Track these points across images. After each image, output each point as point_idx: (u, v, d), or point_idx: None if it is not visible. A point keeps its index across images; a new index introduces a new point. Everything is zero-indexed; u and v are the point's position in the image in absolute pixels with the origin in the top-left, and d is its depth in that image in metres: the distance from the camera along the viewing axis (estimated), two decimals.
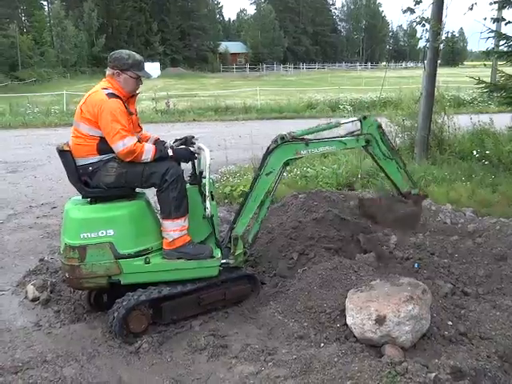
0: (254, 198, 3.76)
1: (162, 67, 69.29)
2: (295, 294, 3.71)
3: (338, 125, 3.99)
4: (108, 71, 3.63)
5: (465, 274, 4.16)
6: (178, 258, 3.59)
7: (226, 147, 9.55)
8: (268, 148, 3.77)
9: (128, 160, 3.46)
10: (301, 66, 75.15)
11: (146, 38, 74.13)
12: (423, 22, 7.73)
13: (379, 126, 3.95)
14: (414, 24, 8.02)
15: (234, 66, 77.51)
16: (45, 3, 69.56)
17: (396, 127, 9.43)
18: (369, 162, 7.77)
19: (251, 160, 8.52)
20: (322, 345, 3.17)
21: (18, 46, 52.87)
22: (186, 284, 3.57)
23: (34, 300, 3.98)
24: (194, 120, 18.34)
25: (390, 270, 4.03)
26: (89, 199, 3.58)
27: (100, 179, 3.49)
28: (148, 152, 3.51)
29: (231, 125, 16.89)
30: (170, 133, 14.57)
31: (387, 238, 4.76)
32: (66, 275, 3.42)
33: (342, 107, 20.37)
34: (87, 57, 66.47)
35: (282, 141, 3.70)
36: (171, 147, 3.75)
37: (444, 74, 31.03)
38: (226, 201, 6.92)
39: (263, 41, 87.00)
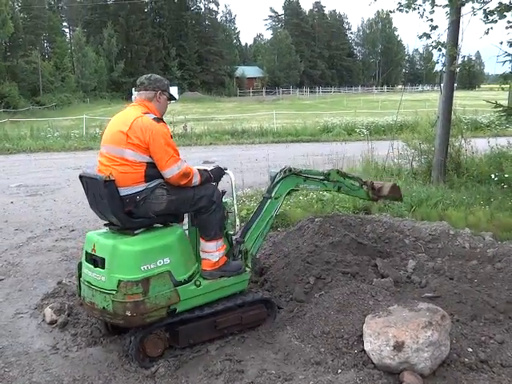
0: (263, 217, 4.03)
1: (180, 91, 70.29)
2: (312, 319, 3.68)
3: (322, 173, 4.48)
4: (144, 95, 3.58)
5: (485, 299, 4.09)
6: (220, 277, 3.66)
7: (242, 170, 9.60)
8: (275, 177, 4.17)
9: (182, 184, 3.45)
10: (317, 90, 75.59)
11: (165, 63, 75.48)
12: (439, 46, 7.78)
13: (338, 172, 4.61)
14: (430, 48, 8.07)
15: (251, 90, 78.43)
16: (66, 30, 71.53)
17: (413, 151, 9.42)
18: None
19: (267, 183, 8.55)
20: (340, 371, 3.13)
21: (39, 72, 54.21)
22: (202, 308, 3.57)
23: (51, 323, 4.00)
24: (211, 143, 18.53)
25: (407, 295, 3.99)
26: (114, 231, 3.49)
27: (149, 208, 3.39)
28: (196, 175, 3.56)
29: (248, 148, 17.01)
30: (187, 156, 14.69)
31: (405, 263, 4.73)
32: (128, 313, 3.17)
33: (358, 131, 20.50)
34: (106, 82, 67.85)
35: (290, 172, 4.14)
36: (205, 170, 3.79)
37: (461, 97, 31.03)
38: (243, 224, 6.91)
39: (279, 65, 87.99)
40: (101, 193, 3.30)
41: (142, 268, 3.23)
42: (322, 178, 4.41)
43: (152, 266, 3.28)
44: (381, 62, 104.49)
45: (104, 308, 3.24)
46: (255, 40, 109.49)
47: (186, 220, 3.91)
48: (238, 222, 3.91)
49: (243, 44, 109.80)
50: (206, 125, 24.89)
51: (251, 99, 66.27)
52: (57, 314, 4.04)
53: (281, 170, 4.18)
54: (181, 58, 77.00)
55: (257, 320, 3.82)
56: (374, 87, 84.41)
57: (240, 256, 3.91)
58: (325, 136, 20.27)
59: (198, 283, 3.56)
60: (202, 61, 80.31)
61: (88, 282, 3.39)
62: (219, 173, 3.82)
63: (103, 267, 3.28)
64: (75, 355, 3.55)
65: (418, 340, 3.05)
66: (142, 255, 3.27)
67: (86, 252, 3.46)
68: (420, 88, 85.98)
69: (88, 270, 3.41)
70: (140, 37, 71.20)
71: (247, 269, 3.91)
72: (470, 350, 3.40)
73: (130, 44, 71.72)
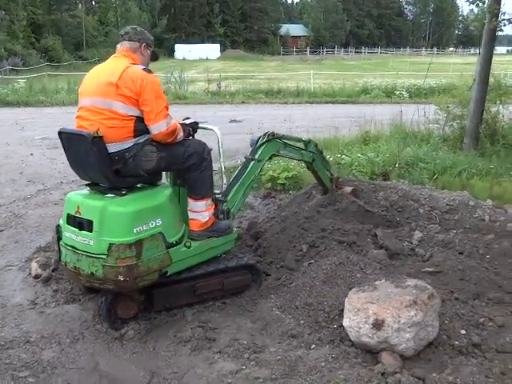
0: (245, 178, 3.93)
1: (222, 49, 69.54)
2: (297, 289, 3.47)
3: (300, 139, 4.58)
4: (128, 45, 3.34)
5: (492, 278, 3.77)
6: (208, 238, 3.51)
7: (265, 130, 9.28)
8: (258, 139, 4.05)
9: (168, 141, 3.25)
10: (362, 50, 73.12)
11: (208, 20, 74.48)
12: (477, 1, 7.15)
13: (316, 145, 4.68)
14: (468, 4, 7.45)
15: (294, 49, 76.58)
16: None
17: (445, 115, 8.86)
18: (410, 150, 7.35)
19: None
20: (314, 346, 2.92)
21: (83, 27, 54.38)
22: (180, 272, 3.41)
23: (36, 277, 3.95)
24: (243, 102, 18.17)
25: (403, 268, 3.70)
26: (98, 192, 3.28)
27: (139, 166, 3.19)
28: (181, 131, 3.37)
29: (278, 108, 16.59)
30: (216, 114, 14.50)
31: (411, 234, 4.41)
32: (120, 278, 3.00)
33: (398, 93, 19.67)
34: None
35: (273, 137, 4.07)
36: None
37: (504, 61, 29.29)
38: (255, 185, 6.70)
39: (325, 24, 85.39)
40: (87, 150, 3.07)
41: (134, 230, 3.04)
42: (301, 147, 4.45)
43: (145, 228, 3.09)
44: (432, 22, 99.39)
45: (92, 273, 3.05)
46: None
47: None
48: (225, 181, 3.76)
49: (289, 1, 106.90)
50: (244, 83, 24.47)
51: (294, 58, 64.83)
52: (42, 269, 3.97)
53: (264, 134, 4.08)
54: (224, 15, 75.72)
55: (240, 286, 3.64)
56: (424, 49, 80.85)
57: (222, 216, 3.73)
58: (362, 98, 19.54)
59: (188, 244, 3.40)
60: (245, 18, 78.80)
61: (72, 246, 3.18)
62: (195, 127, 3.65)
63: (90, 230, 3.06)
64: (51, 311, 3.48)
65: (400, 319, 2.79)
66: (134, 216, 3.08)
67: (68, 214, 3.23)
68: (472, 51, 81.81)
69: (71, 234, 3.18)
70: None
71: (235, 229, 3.79)
72: (464, 331, 3.12)
73: None
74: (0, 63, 30.85)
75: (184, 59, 61.48)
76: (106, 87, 3.12)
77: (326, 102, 18.57)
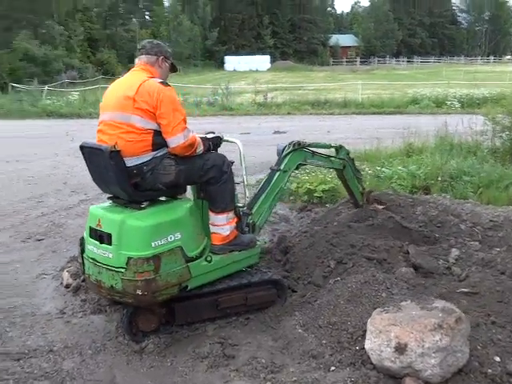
0: (271, 190, 3.87)
1: (272, 60, 69.93)
2: (321, 307, 3.36)
3: (329, 146, 4.52)
4: (146, 58, 3.37)
5: None
6: (230, 252, 3.47)
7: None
8: (283, 149, 3.99)
9: (186, 154, 3.25)
10: (415, 60, 71.66)
11: (257, 31, 75.17)
12: None
13: (348, 153, 4.60)
14: None
15: (344, 60, 76.04)
16: None
17: (494, 126, 8.49)
18: (454, 163, 7.08)
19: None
20: (333, 368, 2.81)
21: (137, 40, 56.09)
22: (202, 286, 3.37)
23: (67, 286, 4.03)
24: (289, 113, 18.15)
25: (436, 289, 3.52)
26: (119, 205, 3.30)
27: (157, 179, 3.19)
28: (200, 145, 3.35)
29: (324, 119, 16.46)
30: (261, 125, 14.53)
31: (448, 251, 4.22)
32: (138, 292, 2.99)
33: (449, 103, 19.08)
34: (200, 50, 68.88)
35: (299, 146, 4.00)
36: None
37: None
38: (292, 197, 6.64)
39: (376, 33, 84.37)
40: (105, 164, 3.10)
41: (152, 244, 3.04)
42: (328, 155, 4.38)
43: (163, 242, 3.08)
44: (488, 30, 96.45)
45: (112, 286, 3.07)
46: (352, 7, 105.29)
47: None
48: (247, 194, 3.72)
49: (339, 12, 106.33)
50: (292, 94, 24.49)
51: (344, 69, 64.25)
52: (73, 278, 4.05)
53: (290, 143, 4.00)
54: (274, 26, 76.24)
55: (264, 302, 3.57)
56: (479, 57, 78.39)
57: (247, 229, 3.68)
58: (411, 108, 19.08)
59: (209, 259, 3.37)
60: (295, 29, 79.03)
61: (93, 259, 3.21)
62: (218, 141, 3.61)
63: (110, 243, 3.09)
64: (77, 321, 3.53)
65: (424, 344, 2.65)
66: (152, 230, 3.07)
67: (90, 227, 3.27)
68: None
69: (93, 247, 3.22)
70: (234, 5, 71.24)
71: (258, 242, 3.74)
72: (498, 359, 2.92)
73: (224, 12, 72.01)
74: (58, 76, 32.17)
75: (234, 71, 62.26)
76: (123, 101, 3.14)
77: (373, 113, 18.28)
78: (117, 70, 48.23)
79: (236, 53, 70.51)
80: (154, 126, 3.16)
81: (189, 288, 3.24)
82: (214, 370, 2.91)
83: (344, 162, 4.48)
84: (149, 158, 3.17)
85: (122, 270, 3.01)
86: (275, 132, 12.83)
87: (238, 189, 3.76)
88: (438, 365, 2.67)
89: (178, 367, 2.96)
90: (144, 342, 3.18)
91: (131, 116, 3.12)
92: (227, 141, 3.76)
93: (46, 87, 22.84)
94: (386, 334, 2.74)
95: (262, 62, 67.84)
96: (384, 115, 17.68)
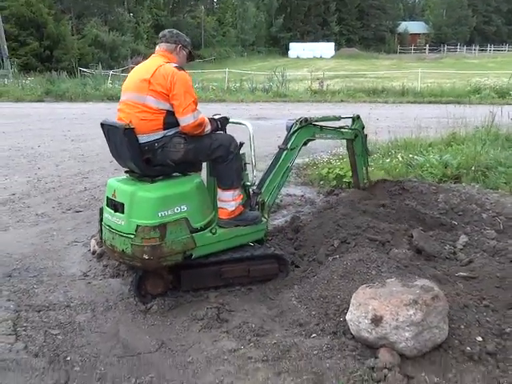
0: (279, 169, 4.09)
1: (337, 47, 69.03)
2: (316, 281, 3.55)
3: (339, 118, 4.70)
4: (165, 46, 3.65)
5: None
6: (236, 226, 3.73)
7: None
8: (291, 127, 4.18)
9: (195, 133, 3.51)
10: (488, 48, 68.37)
11: (323, 18, 74.26)
12: None
13: (363, 127, 4.81)
14: None
15: (412, 47, 73.75)
16: None
17: None
18: (491, 152, 6.94)
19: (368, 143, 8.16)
20: (314, 335, 3.00)
21: (202, 27, 57.08)
22: (207, 256, 3.63)
23: (93, 253, 4.41)
24: (342, 101, 18.07)
25: (430, 271, 3.59)
26: (134, 178, 3.59)
27: (167, 156, 3.46)
28: (208, 124, 3.61)
29: (377, 107, 16.26)
30: (310, 112, 14.59)
31: (456, 238, 4.25)
32: (145, 257, 3.28)
33: None
34: (265, 37, 69.04)
35: (305, 122, 4.20)
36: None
37: None
38: (322, 182, 6.77)
39: (447, 20, 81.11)
40: (121, 140, 3.42)
41: (159, 214, 3.32)
42: (339, 127, 4.59)
43: (169, 213, 3.35)
44: None
45: (123, 251, 3.39)
46: None
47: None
48: (254, 173, 3.91)
49: None
50: (350, 82, 24.28)
51: (411, 57, 62.50)
52: (98, 246, 4.42)
53: (296, 121, 4.17)
54: (340, 13, 75.04)
55: (266, 275, 3.80)
56: None
57: (257, 207, 3.93)
58: (471, 98, 18.39)
59: (213, 231, 3.62)
60: (362, 15, 77.44)
61: (109, 225, 3.54)
62: (225, 122, 3.84)
63: (123, 212, 3.41)
64: (97, 283, 3.89)
65: (398, 317, 2.78)
66: (159, 202, 3.36)
67: (107, 197, 3.62)
68: None
69: (108, 215, 3.57)
70: None
71: (263, 219, 3.93)
72: (480, 339, 3.00)
73: None
74: (124, 62, 33.44)
75: (298, 58, 62.04)
76: (140, 83, 3.44)
77: (430, 102, 17.84)
78: None
79: (301, 40, 70.11)
80: (166, 106, 3.43)
81: (193, 256, 3.51)
82: (207, 331, 3.16)
83: (356, 132, 4.67)
84: (160, 136, 3.46)
85: (132, 236, 3.32)
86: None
87: (250, 168, 3.98)
88: (412, 338, 2.79)
89: (175, 326, 3.25)
90: (150, 303, 3.48)
91: (146, 97, 3.41)
92: (239, 123, 3.98)
93: (111, 72, 23.88)
94: (365, 306, 2.89)
95: (327, 49, 67.13)
96: (440, 105, 17.18)
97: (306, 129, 4.21)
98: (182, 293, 3.64)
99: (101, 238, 3.78)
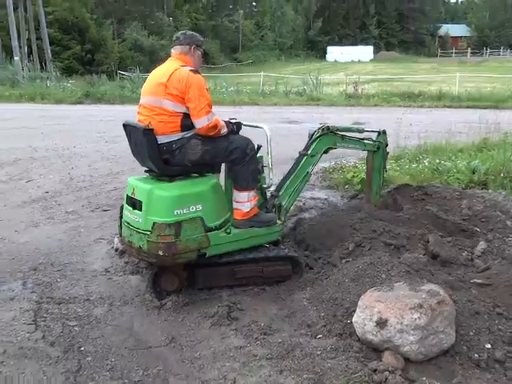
0: (298, 174, 4.18)
1: (376, 51, 68.34)
2: (328, 283, 3.59)
3: (362, 130, 4.78)
4: (180, 48, 3.76)
5: None
6: (250, 227, 3.82)
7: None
8: (313, 134, 4.27)
9: (210, 135, 3.62)
10: None
11: (362, 21, 73.63)
12: None
13: (387, 145, 4.87)
14: None
15: (454, 51, 72.23)
16: None
17: None
18: None
19: (397, 148, 8.13)
20: (320, 336, 3.05)
21: (240, 30, 57.52)
22: (222, 256, 3.72)
23: (116, 250, 4.56)
24: (376, 105, 17.89)
25: (444, 277, 3.56)
26: (153, 177, 3.72)
27: (185, 157, 3.59)
28: (224, 127, 3.72)
29: (411, 112, 16.02)
30: (342, 116, 14.55)
31: (475, 244, 4.20)
32: (160, 253, 3.39)
33: None
34: (302, 40, 68.96)
35: (327, 130, 4.27)
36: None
37: None
38: (346, 186, 6.77)
39: (490, 23, 79.06)
40: (140, 141, 3.57)
41: (175, 212, 3.44)
42: (361, 138, 4.59)
43: (185, 211, 3.46)
44: None
45: (140, 247, 3.52)
46: None
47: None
48: (271, 176, 3.99)
49: (453, 0, 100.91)
50: (387, 86, 24.02)
51: (452, 60, 61.22)
52: (121, 243, 4.56)
53: (319, 128, 4.24)
54: (379, 16, 74.25)
55: (280, 276, 3.85)
56: None
57: (274, 210, 4.00)
58: (509, 103, 17.96)
59: (228, 231, 3.71)
60: (401, 19, 76.42)
61: (127, 222, 3.68)
62: (239, 126, 3.92)
63: (140, 209, 3.53)
64: (117, 279, 4.03)
65: (403, 321, 2.80)
66: (175, 200, 3.47)
67: (127, 195, 3.76)
68: None
69: (128, 212, 3.70)
70: None
71: (279, 221, 4.00)
72: (489, 346, 2.98)
73: (328, 2, 71.25)
74: None
75: (335, 61, 61.73)
76: (157, 87, 3.57)
77: (467, 107, 17.46)
78: (218, 59, 49.95)
79: (339, 43, 69.74)
80: (183, 109, 3.55)
81: (207, 255, 3.60)
82: (217, 328, 3.25)
83: (379, 145, 4.68)
84: (178, 138, 3.58)
85: (148, 233, 3.44)
86: (354, 123, 12.80)
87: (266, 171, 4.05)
88: (416, 342, 2.80)
89: (187, 322, 3.35)
90: (165, 299, 3.60)
91: (163, 100, 3.54)
92: (256, 126, 4.06)
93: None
94: (371, 309, 2.92)
95: (365, 52, 66.56)
96: (478, 109, 16.80)
97: (327, 137, 4.28)
98: (196, 291, 3.74)
99: (120, 235, 3.93)
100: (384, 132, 4.80)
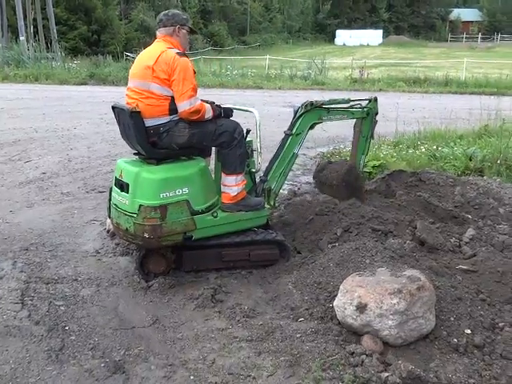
0: (284, 155, 4.14)
1: (385, 35, 67.52)
2: (313, 268, 3.60)
3: (348, 100, 4.60)
4: (164, 31, 3.71)
5: None
6: (238, 211, 3.84)
7: (389, 119, 9.00)
8: (296, 111, 4.16)
9: (193, 119, 3.59)
10: None
11: (372, 5, 72.69)
12: None
13: (377, 113, 4.71)
14: None
15: (464, 36, 71.27)
16: None
17: None
18: None
19: (396, 133, 8.11)
20: (301, 319, 3.08)
21: (248, 13, 56.91)
22: (209, 239, 3.75)
23: (108, 231, 4.60)
24: (380, 90, 17.75)
25: (429, 263, 3.58)
26: (141, 160, 3.73)
27: (172, 140, 3.59)
28: (209, 111, 3.69)
29: (415, 97, 15.95)
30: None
31: (464, 231, 4.20)
32: (146, 235, 3.43)
33: None
34: (311, 23, 68.23)
35: (311, 106, 4.17)
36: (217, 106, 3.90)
37: None
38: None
39: (503, 7, 77.78)
40: (128, 123, 3.57)
41: (160, 195, 3.46)
42: (348, 107, 4.50)
43: (171, 194, 3.49)
44: None
45: (127, 229, 3.56)
46: None
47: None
48: (260, 160, 3.98)
49: None
50: (394, 71, 23.80)
51: (462, 45, 60.49)
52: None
53: (302, 105, 4.17)
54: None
55: (266, 259, 3.88)
56: None
57: (263, 194, 4.01)
58: None
59: (215, 214, 3.74)
60: (413, 2, 75.32)
61: (115, 204, 3.72)
62: (228, 112, 3.90)
63: (127, 192, 3.57)
64: (106, 260, 4.08)
65: (382, 305, 2.82)
66: (161, 183, 3.50)
67: (115, 177, 3.78)
68: None
69: (116, 194, 3.73)
70: None
71: (267, 205, 4.01)
72: (469, 331, 3.01)
73: None
74: None
75: (344, 45, 61.12)
76: (144, 70, 3.56)
77: (472, 93, 17.28)
78: (226, 42, 49.56)
79: (348, 27, 68.96)
80: (170, 93, 3.55)
81: (194, 238, 3.63)
82: (201, 310, 3.30)
83: (368, 111, 4.59)
84: (165, 121, 3.58)
85: (134, 215, 3.48)
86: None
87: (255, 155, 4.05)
88: (395, 326, 2.83)
89: (172, 304, 3.39)
90: (152, 281, 3.64)
91: (151, 84, 3.54)
92: (246, 110, 4.05)
93: None
94: (351, 293, 2.95)
95: (374, 36, 65.81)
96: (483, 96, 16.62)
97: (312, 113, 4.20)
98: (183, 273, 3.77)
99: (109, 216, 3.96)
100: (375, 99, 4.71)
